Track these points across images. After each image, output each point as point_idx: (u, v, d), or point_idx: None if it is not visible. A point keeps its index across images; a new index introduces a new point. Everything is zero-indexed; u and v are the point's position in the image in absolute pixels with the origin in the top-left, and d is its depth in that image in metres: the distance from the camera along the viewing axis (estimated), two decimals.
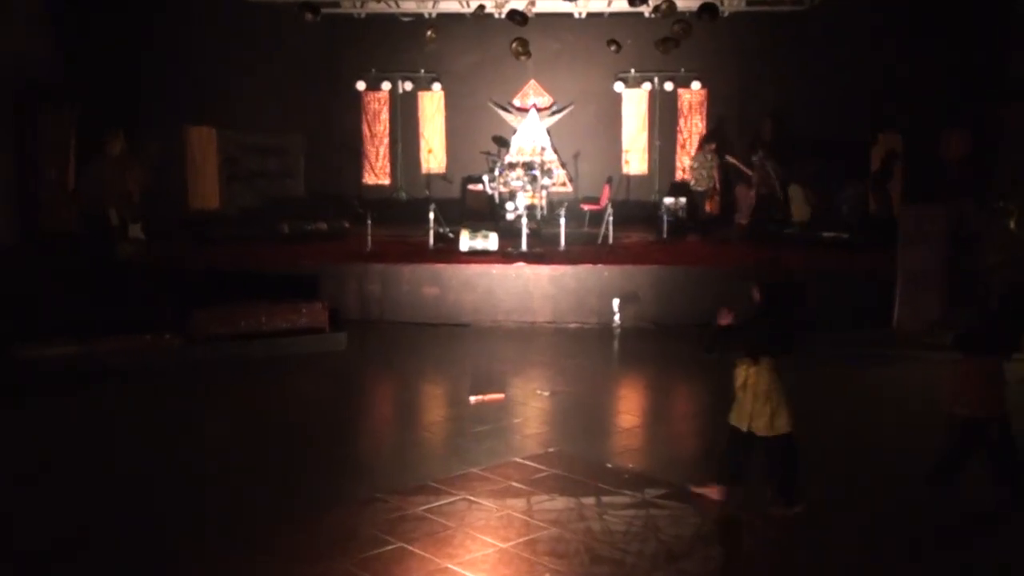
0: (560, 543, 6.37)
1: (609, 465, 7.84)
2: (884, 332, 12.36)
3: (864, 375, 10.69)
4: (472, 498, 7.08)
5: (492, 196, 17.34)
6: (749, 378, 6.78)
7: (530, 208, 16.56)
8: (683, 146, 19.05)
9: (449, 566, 6.07)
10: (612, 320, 13.38)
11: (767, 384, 6.73)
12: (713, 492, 7.04)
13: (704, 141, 18.32)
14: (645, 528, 6.61)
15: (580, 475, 7.57)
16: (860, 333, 12.18)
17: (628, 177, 19.15)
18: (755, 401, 6.72)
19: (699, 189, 17.34)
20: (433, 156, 19.18)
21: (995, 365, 6.85)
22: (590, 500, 7.13)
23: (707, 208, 17.45)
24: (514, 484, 7.37)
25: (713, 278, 13.37)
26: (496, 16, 16.58)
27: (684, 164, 18.77)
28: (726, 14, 16.86)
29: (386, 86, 19.14)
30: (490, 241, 14.45)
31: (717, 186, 17.35)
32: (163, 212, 15.10)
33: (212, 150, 17.40)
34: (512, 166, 17.43)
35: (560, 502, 7.06)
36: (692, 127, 19.10)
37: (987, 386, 6.82)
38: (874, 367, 11.00)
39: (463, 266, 13.65)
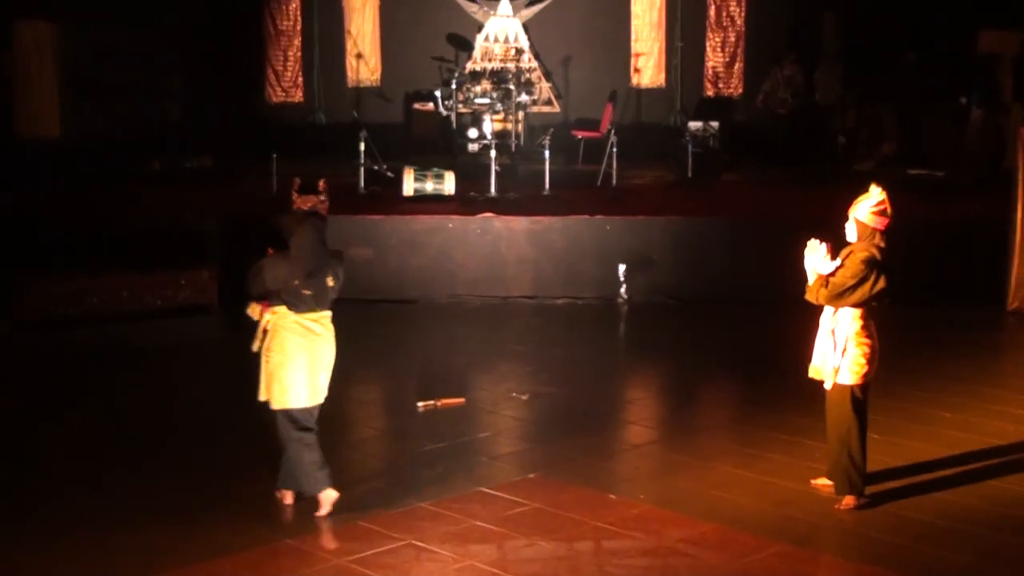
0: None
1: (613, 497, 7.85)
2: (992, 313, 12.47)
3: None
4: (420, 544, 7.06)
5: (447, 119, 17.29)
6: None
7: (501, 136, 16.52)
8: (715, 49, 19.04)
9: None
10: (616, 294, 13.40)
11: None
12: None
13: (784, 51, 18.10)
14: None
15: (572, 511, 7.55)
16: (956, 311, 12.24)
17: (639, 92, 19.16)
18: None
19: (781, 112, 17.29)
20: (364, 63, 19.09)
21: None
22: (586, 546, 7.13)
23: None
24: (479, 524, 7.36)
25: (760, 234, 13.40)
26: None
27: (715, 74, 18.77)
28: None
29: None
30: (444, 183, 14.41)
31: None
32: None
33: (50, 55, 17.20)
34: (476, 77, 17.37)
35: (544, 548, 7.05)
36: (727, 22, 19.09)
37: None
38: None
39: (407, 218, 13.63)
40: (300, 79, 19.35)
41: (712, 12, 19.06)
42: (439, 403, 9.70)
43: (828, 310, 7.61)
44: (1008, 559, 6.88)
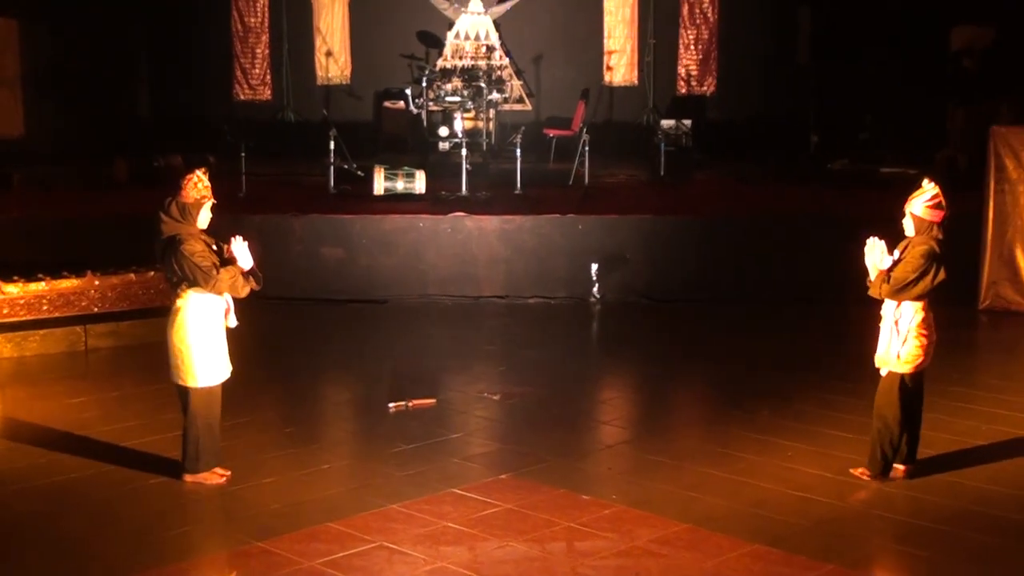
0: None
1: (585, 497, 7.87)
2: (964, 311, 12.57)
3: None
4: (391, 545, 7.07)
5: (418, 118, 17.29)
6: None
7: (472, 135, 16.54)
8: (688, 47, 19.11)
9: None
10: (589, 293, 13.43)
11: None
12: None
13: None
14: None
15: (544, 511, 7.58)
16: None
17: (611, 90, 19.21)
18: None
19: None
20: (333, 61, 19.08)
21: None
22: (559, 547, 7.15)
23: None
24: (451, 525, 7.37)
25: (731, 232, 13.48)
26: None
27: (687, 72, 18.82)
28: None
29: None
30: (415, 182, 14.43)
31: None
32: None
33: (13, 51, 17.12)
34: (446, 75, 17.38)
35: (516, 549, 7.06)
36: (700, 19, 19.15)
37: None
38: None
39: (377, 218, 13.62)
40: (268, 77, 19.32)
41: (685, 9, 19.12)
42: (410, 404, 9.71)
43: (891, 303, 7.90)
44: (973, 556, 6.95)
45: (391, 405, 9.70)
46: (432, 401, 9.83)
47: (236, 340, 8.21)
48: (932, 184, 7.88)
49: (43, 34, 17.34)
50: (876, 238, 7.90)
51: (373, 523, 7.37)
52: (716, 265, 13.42)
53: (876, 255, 7.85)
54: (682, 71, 19.15)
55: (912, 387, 7.95)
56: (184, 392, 7.91)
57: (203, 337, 7.83)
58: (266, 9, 19.16)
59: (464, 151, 14.89)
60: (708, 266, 13.43)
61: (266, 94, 19.31)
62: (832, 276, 11.94)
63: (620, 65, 19.16)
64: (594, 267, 13.41)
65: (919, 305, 7.85)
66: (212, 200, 7.86)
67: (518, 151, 15.06)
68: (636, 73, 19.22)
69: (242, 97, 19.24)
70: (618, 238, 13.55)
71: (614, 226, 13.63)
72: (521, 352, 11.54)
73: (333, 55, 19.06)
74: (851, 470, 8.16)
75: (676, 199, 15.18)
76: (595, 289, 13.43)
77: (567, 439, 9.11)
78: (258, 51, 19.26)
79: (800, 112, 18.30)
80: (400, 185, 14.40)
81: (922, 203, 7.83)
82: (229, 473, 8.11)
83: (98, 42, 17.77)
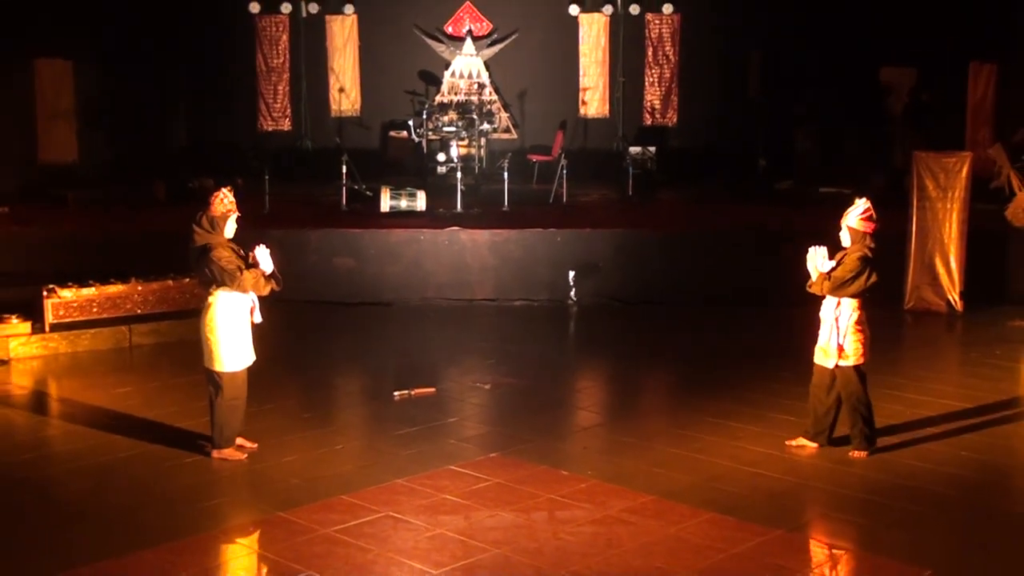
0: (506, 568, 6.38)
1: (565, 472, 7.86)
2: (892, 311, 12.60)
3: None
4: (397, 515, 7.06)
5: (419, 145, 17.28)
6: None
7: (466, 160, 16.53)
8: (653, 84, 19.11)
9: None
10: (567, 296, 13.42)
11: None
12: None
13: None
14: (608, 548, 6.64)
15: (529, 485, 7.57)
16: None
17: (586, 121, 19.20)
18: None
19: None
20: (345, 96, 19.04)
21: None
22: (541, 516, 7.14)
23: None
24: (448, 497, 7.36)
25: (690, 244, 13.49)
26: None
27: (652, 106, 18.84)
28: None
29: (286, 8, 18.94)
30: (417, 201, 14.41)
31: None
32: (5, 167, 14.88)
33: (68, 88, 17.08)
34: (443, 108, 17.37)
35: (505, 518, 7.05)
36: (663, 60, 19.16)
37: None
38: None
39: (384, 231, 13.59)
40: (289, 110, 19.26)
41: (650, 52, 19.12)
42: (413, 392, 9.69)
43: (831, 303, 8.00)
44: (900, 523, 6.95)
45: (396, 393, 9.68)
46: (432, 390, 9.81)
47: (260, 337, 8.20)
48: (864, 199, 7.97)
49: (94, 73, 17.30)
50: (818, 245, 8.00)
51: (380, 496, 7.36)
52: (677, 272, 13.41)
53: (817, 259, 7.96)
54: (647, 105, 19.14)
55: (864, 374, 8.05)
56: (212, 376, 7.91)
57: (230, 328, 7.83)
58: (286, 52, 19.12)
59: (459, 174, 14.90)
60: (670, 273, 13.42)
61: (287, 125, 19.25)
62: (776, 281, 11.97)
63: (594, 100, 19.16)
64: (571, 274, 13.39)
65: (855, 304, 7.93)
66: (236, 213, 7.91)
67: (505, 174, 15.05)
68: (608, 107, 19.20)
69: (266, 128, 19.17)
70: (592, 249, 13.54)
71: (589, 239, 13.62)
72: (509, 347, 11.52)
73: (345, 91, 19.02)
74: (787, 442, 8.24)
75: (642, 215, 15.18)
76: (572, 293, 13.41)
77: (549, 422, 9.11)
78: (280, 88, 19.21)
79: (750, 140, 18.31)
80: (404, 203, 14.38)
81: (856, 216, 7.94)
82: (256, 445, 8.15)
83: (142, 80, 17.71)
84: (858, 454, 8.07)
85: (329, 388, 10.50)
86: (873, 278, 7.87)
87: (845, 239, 8.00)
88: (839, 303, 7.95)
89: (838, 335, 7.93)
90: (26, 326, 11.01)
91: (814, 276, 7.97)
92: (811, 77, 17.80)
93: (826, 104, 17.66)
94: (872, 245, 7.91)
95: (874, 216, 7.93)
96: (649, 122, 19.12)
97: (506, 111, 18.92)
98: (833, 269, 7.90)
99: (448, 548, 6.60)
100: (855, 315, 7.94)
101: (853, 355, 7.95)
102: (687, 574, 6.26)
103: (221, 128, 18.68)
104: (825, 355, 8.05)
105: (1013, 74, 16.97)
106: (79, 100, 17.26)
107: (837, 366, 7.99)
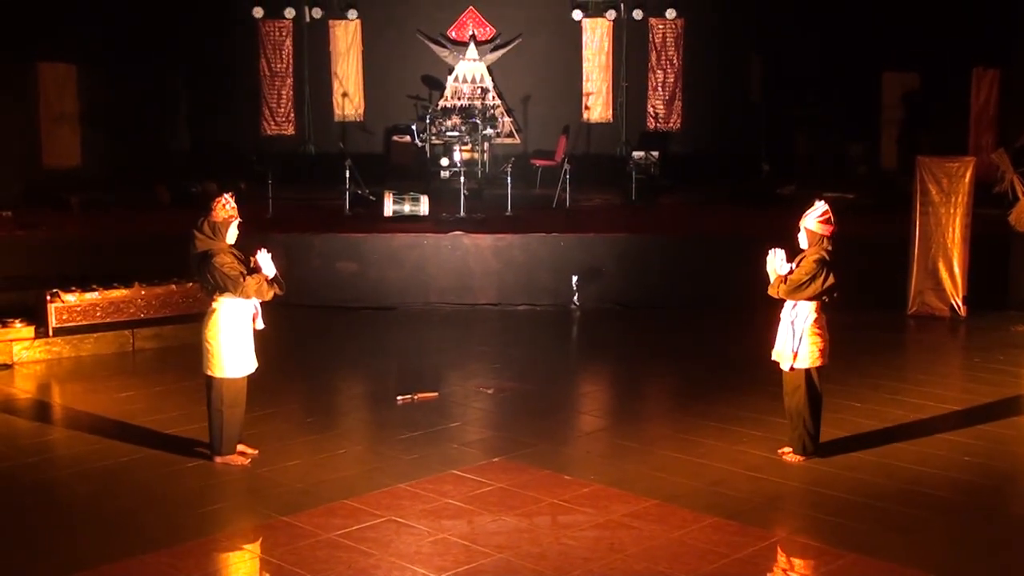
0: (509, 573, 6.38)
1: (567, 477, 7.86)
2: (895, 316, 12.58)
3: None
4: (400, 519, 7.06)
5: (422, 150, 17.29)
6: None
7: (469, 164, 16.55)
8: (656, 89, 19.13)
9: None
10: (570, 301, 13.42)
11: None
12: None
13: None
14: (611, 552, 6.64)
15: (532, 490, 7.57)
16: (864, 315, 12.35)
17: (589, 126, 19.21)
18: None
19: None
20: (348, 101, 19.06)
21: None
22: (544, 520, 7.14)
23: None
24: (451, 502, 7.36)
25: (693, 249, 13.49)
26: None
27: (655, 110, 18.86)
28: None
29: (290, 13, 18.97)
30: (420, 205, 14.41)
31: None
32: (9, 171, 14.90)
33: (72, 93, 17.11)
34: (447, 113, 17.39)
35: (508, 523, 7.06)
36: (666, 64, 19.18)
37: None
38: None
39: (387, 236, 13.60)
40: (292, 115, 19.29)
41: (653, 56, 19.14)
42: (416, 396, 9.69)
43: (788, 305, 7.93)
44: (900, 527, 6.95)
45: (399, 398, 9.68)
46: (435, 394, 9.82)
47: (263, 341, 8.20)
48: (823, 202, 7.91)
49: (98, 78, 17.32)
50: (776, 248, 7.95)
51: (383, 500, 7.36)
52: (680, 277, 13.41)
53: (776, 262, 7.91)
54: (651, 109, 19.16)
55: (817, 380, 7.96)
56: (212, 381, 7.91)
57: (232, 335, 7.83)
58: (290, 56, 19.14)
59: (462, 179, 14.90)
60: (673, 277, 13.43)
61: (290, 129, 19.28)
62: None
63: (597, 105, 19.18)
64: (575, 278, 13.40)
65: (812, 306, 7.87)
66: (238, 219, 7.90)
67: (509, 179, 15.06)
68: (611, 111, 19.23)
69: (269, 132, 19.20)
70: (595, 253, 13.54)
71: (592, 243, 13.63)
72: (511, 352, 11.53)
73: (348, 96, 19.04)
74: (779, 451, 8.18)
75: (645, 220, 15.19)
76: (575, 297, 13.41)
77: (551, 427, 9.10)
78: (283, 93, 19.24)
79: (753, 145, 18.32)
80: (407, 208, 14.38)
81: (814, 218, 7.89)
82: (256, 451, 8.14)
83: (146, 84, 17.75)
84: (792, 458, 8.02)
85: (332, 392, 10.51)
86: (830, 280, 7.78)
87: (803, 241, 7.93)
88: (795, 305, 7.89)
89: (793, 338, 7.86)
90: (29, 330, 11.03)
91: (772, 279, 7.91)
92: (814, 82, 17.81)
93: (829, 109, 17.66)
94: (830, 248, 7.83)
95: (832, 219, 7.86)
96: (652, 127, 19.13)
97: (509, 116, 18.94)
98: (790, 272, 7.85)
99: (451, 553, 6.61)
100: (812, 317, 7.85)
101: (808, 358, 7.87)
102: None
103: (224, 132, 18.69)
104: (780, 359, 8.01)
105: (1016, 79, 16.97)
106: (83, 104, 17.28)
107: (792, 368, 7.92)
